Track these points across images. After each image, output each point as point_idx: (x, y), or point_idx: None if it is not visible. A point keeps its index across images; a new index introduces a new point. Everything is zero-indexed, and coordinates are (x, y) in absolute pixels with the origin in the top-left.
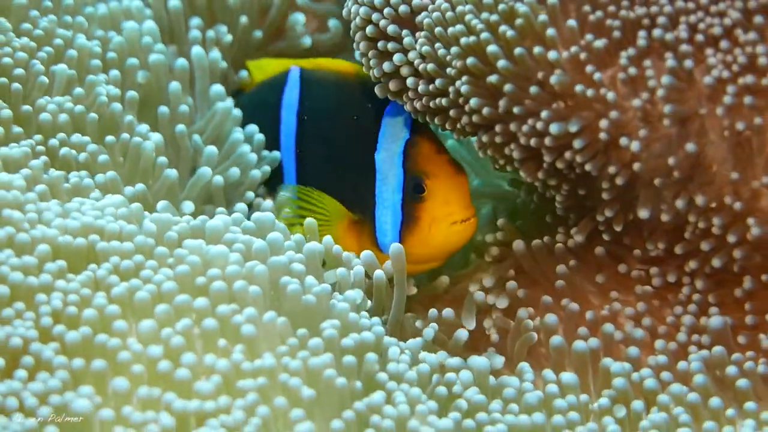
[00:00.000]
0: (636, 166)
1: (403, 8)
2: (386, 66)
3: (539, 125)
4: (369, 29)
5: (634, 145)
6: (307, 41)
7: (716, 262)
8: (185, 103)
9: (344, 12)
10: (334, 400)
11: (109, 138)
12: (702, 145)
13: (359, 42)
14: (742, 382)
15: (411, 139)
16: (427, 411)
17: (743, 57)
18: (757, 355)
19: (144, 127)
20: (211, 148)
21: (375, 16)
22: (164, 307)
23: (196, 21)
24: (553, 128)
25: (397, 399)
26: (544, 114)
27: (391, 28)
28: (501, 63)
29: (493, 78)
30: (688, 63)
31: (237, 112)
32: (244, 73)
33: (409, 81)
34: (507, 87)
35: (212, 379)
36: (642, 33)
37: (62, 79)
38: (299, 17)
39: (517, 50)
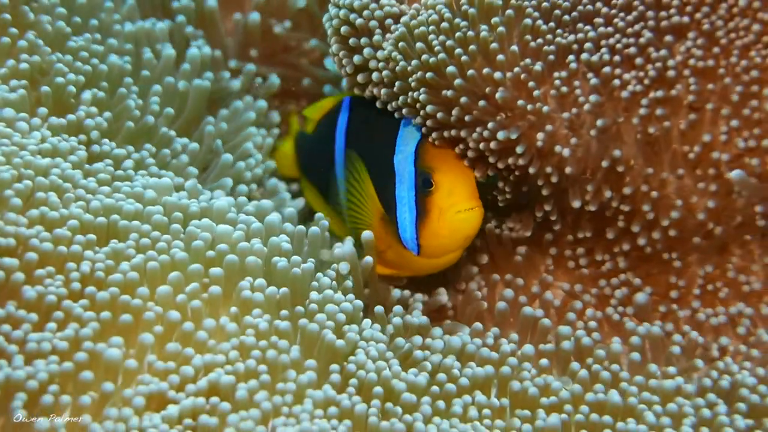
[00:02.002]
0: (567, 168)
1: (378, 12)
2: (356, 59)
3: (486, 133)
4: (344, 29)
5: (565, 151)
6: None
7: (641, 241)
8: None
9: (324, 18)
10: (327, 357)
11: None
12: (620, 147)
13: (335, 42)
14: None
15: (421, 140)
16: (399, 369)
17: (654, 71)
18: (677, 325)
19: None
20: (228, 156)
21: (352, 17)
22: (177, 274)
23: None
24: (500, 135)
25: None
26: (490, 125)
27: (366, 26)
28: (457, 81)
29: (448, 92)
30: (608, 80)
31: (255, 131)
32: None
33: (374, 75)
34: (462, 99)
35: (225, 336)
36: (571, 57)
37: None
38: None
39: (470, 72)
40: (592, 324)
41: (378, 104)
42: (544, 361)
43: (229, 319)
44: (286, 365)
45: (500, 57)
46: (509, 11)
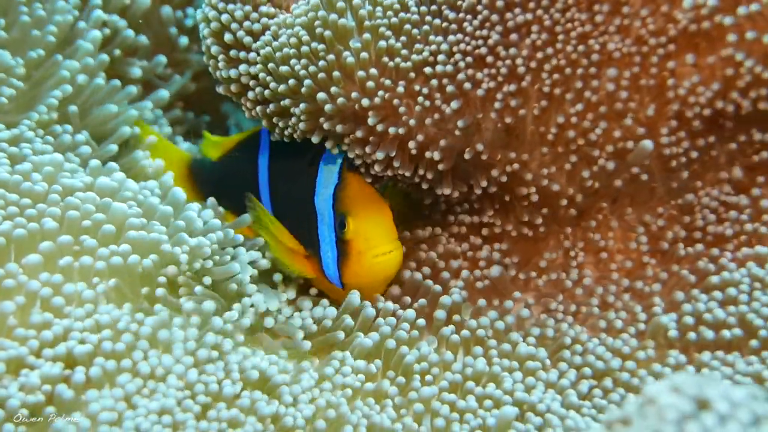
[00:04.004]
0: (440, 165)
1: (256, 26)
2: (233, 72)
3: (365, 154)
4: (226, 35)
5: (435, 155)
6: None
7: (526, 217)
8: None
9: (198, 16)
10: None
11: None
12: (481, 139)
13: (210, 45)
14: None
15: (339, 183)
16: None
17: (504, 68)
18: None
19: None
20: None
21: (234, 26)
22: (48, 244)
23: None
24: (378, 155)
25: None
26: (368, 148)
27: (242, 39)
28: (327, 107)
29: (325, 124)
30: (462, 84)
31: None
32: None
33: (250, 94)
34: (338, 128)
35: (84, 305)
36: (428, 69)
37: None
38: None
39: (340, 100)
40: (461, 284)
41: (248, 118)
42: (420, 321)
43: (95, 294)
44: (143, 349)
45: (370, 84)
46: (366, 34)
